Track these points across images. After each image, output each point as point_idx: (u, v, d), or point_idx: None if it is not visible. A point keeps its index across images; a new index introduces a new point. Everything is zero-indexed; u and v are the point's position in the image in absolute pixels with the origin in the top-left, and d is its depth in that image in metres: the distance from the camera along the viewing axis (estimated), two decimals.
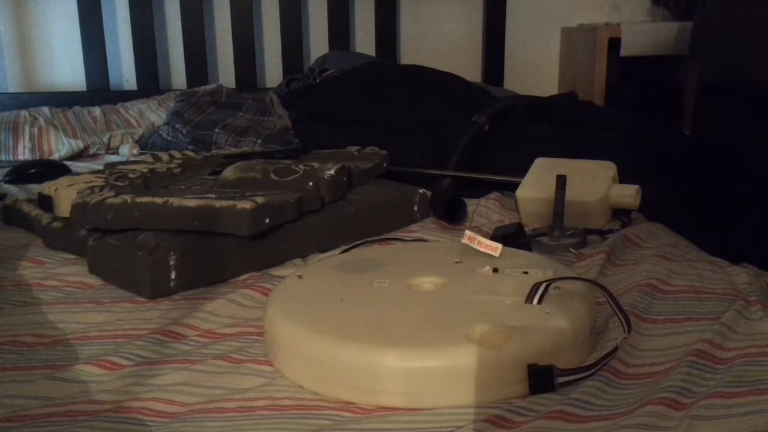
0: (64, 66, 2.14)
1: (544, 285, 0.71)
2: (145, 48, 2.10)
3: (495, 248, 0.82)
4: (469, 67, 2.28)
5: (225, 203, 0.91)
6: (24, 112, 1.79)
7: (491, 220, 1.14)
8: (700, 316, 0.76)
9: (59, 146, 1.70)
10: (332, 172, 1.07)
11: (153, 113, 1.88)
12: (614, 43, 2.10)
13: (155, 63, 2.12)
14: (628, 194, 1.12)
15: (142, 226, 0.93)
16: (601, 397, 0.62)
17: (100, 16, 2.07)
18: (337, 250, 1.00)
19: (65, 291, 0.90)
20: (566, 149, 1.25)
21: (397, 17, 2.28)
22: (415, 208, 1.15)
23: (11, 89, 2.13)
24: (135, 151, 1.71)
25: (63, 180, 1.07)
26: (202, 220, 0.91)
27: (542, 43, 2.38)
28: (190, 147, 1.65)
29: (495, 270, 0.78)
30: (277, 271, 0.94)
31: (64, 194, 1.02)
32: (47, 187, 1.06)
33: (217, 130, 1.65)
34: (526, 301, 0.70)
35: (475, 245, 0.83)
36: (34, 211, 1.10)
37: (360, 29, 2.26)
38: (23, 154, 1.68)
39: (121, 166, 1.17)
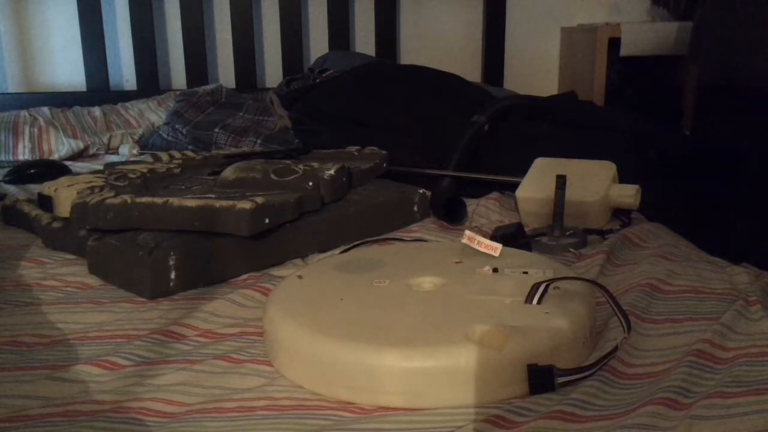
0: (64, 66, 2.14)
1: (543, 285, 0.71)
2: (145, 48, 2.10)
3: (495, 248, 0.82)
4: (469, 67, 2.28)
5: (225, 203, 0.91)
6: (24, 112, 1.79)
7: (491, 220, 1.14)
8: (700, 316, 0.76)
9: (59, 146, 1.70)
10: (332, 172, 1.07)
11: (153, 113, 1.88)
12: (614, 43, 2.09)
13: (155, 63, 2.12)
14: (628, 194, 1.12)
15: (142, 226, 0.93)
16: (600, 397, 0.62)
17: (100, 16, 2.07)
18: (337, 250, 1.00)
19: (65, 291, 0.90)
20: (566, 149, 1.25)
21: (397, 17, 2.28)
22: (415, 208, 1.15)
23: (11, 89, 2.12)
24: (135, 151, 1.72)
25: (63, 180, 1.07)
26: (202, 220, 0.91)
27: (542, 43, 2.38)
28: (190, 147, 1.65)
29: (495, 270, 0.78)
30: (277, 271, 0.94)
31: (64, 194, 1.02)
32: (47, 187, 1.06)
33: (217, 130, 1.65)
34: (525, 301, 0.70)
35: (474, 245, 0.83)
36: (34, 211, 1.10)
37: (360, 29, 2.26)
38: (23, 154, 1.68)
39: (121, 166, 1.17)
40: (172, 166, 1.17)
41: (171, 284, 0.88)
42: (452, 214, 1.14)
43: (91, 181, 1.05)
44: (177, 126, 1.71)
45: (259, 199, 0.93)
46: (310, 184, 1.05)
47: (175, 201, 0.93)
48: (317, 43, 2.23)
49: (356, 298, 0.73)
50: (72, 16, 2.08)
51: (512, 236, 0.98)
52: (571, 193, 1.07)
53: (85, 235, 0.97)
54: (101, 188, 1.03)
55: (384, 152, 1.28)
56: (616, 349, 0.68)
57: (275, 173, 1.07)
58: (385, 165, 1.25)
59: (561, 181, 1.05)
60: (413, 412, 0.61)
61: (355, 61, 1.94)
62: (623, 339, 0.70)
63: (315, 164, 1.11)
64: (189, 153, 1.31)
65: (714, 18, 1.74)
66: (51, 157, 1.68)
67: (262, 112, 1.75)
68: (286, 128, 1.66)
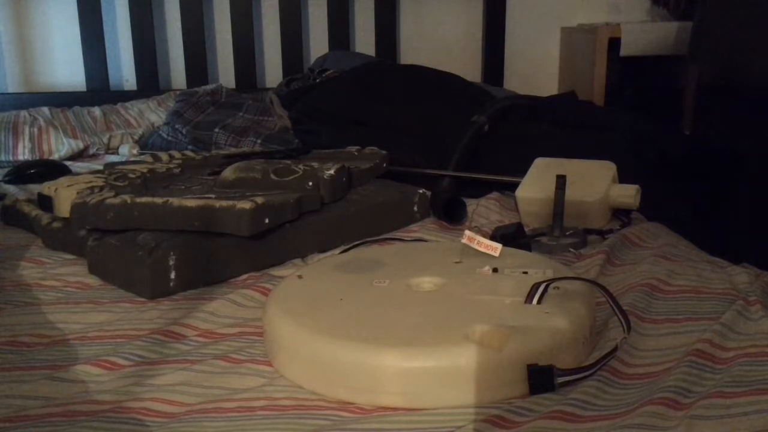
0: (63, 66, 2.14)
1: (543, 285, 0.71)
2: (145, 48, 2.10)
3: (495, 248, 0.82)
4: (469, 67, 2.28)
5: (225, 203, 0.91)
6: (24, 112, 1.79)
7: (491, 220, 1.14)
8: (700, 316, 0.76)
9: (59, 146, 1.70)
10: (332, 172, 1.07)
11: (153, 113, 1.88)
12: (614, 43, 2.09)
13: (155, 63, 2.12)
14: (628, 194, 1.12)
15: (142, 226, 0.93)
16: (600, 397, 0.62)
17: (100, 16, 2.07)
18: (337, 250, 1.00)
19: (65, 291, 0.90)
20: (566, 149, 1.25)
21: (397, 17, 2.28)
22: (415, 208, 1.15)
23: (11, 89, 2.12)
24: (135, 151, 1.71)
25: (63, 180, 1.07)
26: (201, 220, 0.91)
27: (542, 43, 2.38)
28: (190, 147, 1.65)
29: (495, 270, 0.78)
30: (277, 271, 0.94)
31: (64, 194, 1.02)
32: (47, 187, 1.06)
33: (216, 130, 1.65)
34: (525, 301, 0.70)
35: (474, 245, 0.83)
36: (34, 211, 1.10)
37: (360, 29, 2.26)
38: (23, 154, 1.67)
39: (120, 166, 1.17)
40: (172, 166, 1.17)
41: (171, 284, 0.88)
42: (452, 214, 1.14)
43: (91, 181, 1.05)
44: (177, 126, 1.71)
45: (259, 199, 0.93)
46: (310, 184, 1.05)
47: (175, 201, 0.93)
48: (317, 43, 2.23)
49: (356, 298, 0.73)
50: (72, 16, 2.08)
51: (512, 236, 0.98)
52: (571, 193, 1.07)
53: (85, 235, 0.97)
54: (101, 188, 1.03)
55: (384, 152, 1.28)
56: (616, 349, 0.68)
57: (275, 173, 1.07)
58: (385, 165, 1.25)
59: (561, 181, 1.05)
60: (413, 412, 0.61)
61: (355, 61, 1.94)
62: (623, 339, 0.70)
63: (315, 164, 1.11)
64: (189, 153, 1.31)
65: (714, 18, 1.74)
66: (51, 157, 1.68)
67: (262, 112, 1.75)
68: (286, 128, 1.66)
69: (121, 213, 0.94)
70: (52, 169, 1.48)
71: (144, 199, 0.94)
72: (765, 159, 1.44)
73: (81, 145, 1.73)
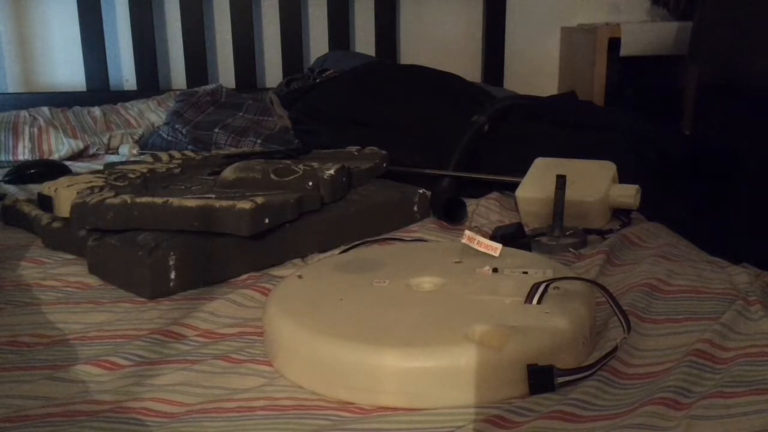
0: (63, 66, 2.14)
1: (543, 285, 0.71)
2: (145, 48, 2.10)
3: (495, 248, 0.82)
4: (469, 67, 2.28)
5: (225, 203, 0.91)
6: (24, 112, 1.79)
7: (491, 220, 1.14)
8: (700, 316, 0.76)
9: (59, 146, 1.70)
10: (332, 172, 1.07)
11: (153, 113, 1.88)
12: (614, 43, 2.09)
13: (155, 63, 2.12)
14: (628, 194, 1.12)
15: (142, 226, 0.93)
16: (600, 397, 0.62)
17: (100, 16, 2.07)
18: (337, 250, 1.00)
19: (65, 291, 0.90)
20: (566, 149, 1.25)
21: (397, 17, 2.28)
22: (415, 208, 1.15)
23: (11, 89, 2.12)
24: (135, 151, 1.71)
25: (63, 180, 1.07)
26: (201, 220, 0.91)
27: (542, 43, 2.38)
28: (189, 147, 1.65)
29: (495, 270, 0.78)
30: (277, 271, 0.94)
31: (64, 194, 1.02)
32: (47, 187, 1.06)
33: (216, 130, 1.65)
34: (525, 301, 0.70)
35: (474, 245, 0.83)
36: (34, 211, 1.10)
37: (360, 29, 2.26)
38: (23, 154, 1.67)
39: (120, 166, 1.17)
40: (172, 166, 1.17)
41: (171, 284, 0.88)
42: (452, 214, 1.14)
43: (91, 181, 1.05)
44: (177, 126, 1.71)
45: (259, 199, 0.93)
46: (310, 184, 1.05)
47: (174, 201, 0.93)
48: (317, 43, 2.23)
49: (356, 298, 0.73)
50: (72, 16, 2.08)
51: (512, 236, 0.98)
52: (571, 193, 1.07)
53: (85, 235, 0.97)
54: (101, 188, 1.03)
55: (384, 152, 1.28)
56: (615, 349, 0.68)
57: (275, 173, 1.07)
58: (385, 165, 1.25)
59: (561, 181, 1.05)
60: (413, 412, 0.61)
61: (355, 61, 1.94)
62: (623, 339, 0.70)
63: (315, 164, 1.11)
64: (189, 153, 1.31)
65: (714, 18, 1.74)
66: (51, 157, 1.68)
67: (262, 112, 1.75)
68: (286, 128, 1.66)
69: (121, 213, 0.94)
70: (52, 169, 1.48)
71: (144, 199, 0.94)
72: (765, 159, 1.44)
73: (81, 145, 1.73)
